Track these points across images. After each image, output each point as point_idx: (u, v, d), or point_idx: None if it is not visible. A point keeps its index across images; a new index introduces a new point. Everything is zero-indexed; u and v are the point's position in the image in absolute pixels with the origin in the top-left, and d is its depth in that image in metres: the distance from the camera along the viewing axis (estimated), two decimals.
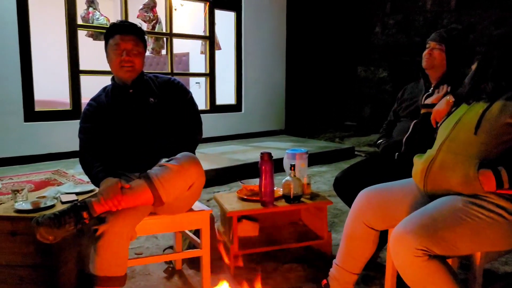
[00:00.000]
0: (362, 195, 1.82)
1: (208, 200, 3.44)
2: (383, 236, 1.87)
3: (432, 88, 2.29)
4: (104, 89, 2.08)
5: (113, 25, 1.99)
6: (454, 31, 2.32)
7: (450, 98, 1.90)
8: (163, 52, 5.94)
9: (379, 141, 2.50)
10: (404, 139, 2.28)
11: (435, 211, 1.51)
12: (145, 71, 2.10)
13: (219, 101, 5.98)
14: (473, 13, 6.20)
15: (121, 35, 1.92)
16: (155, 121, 1.98)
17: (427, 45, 2.31)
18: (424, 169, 1.62)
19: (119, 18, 5.06)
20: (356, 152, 5.78)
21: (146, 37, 2.05)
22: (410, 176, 1.78)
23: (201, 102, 5.93)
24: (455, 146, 1.58)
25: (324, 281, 1.92)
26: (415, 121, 2.26)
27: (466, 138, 1.56)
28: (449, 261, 1.57)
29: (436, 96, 2.13)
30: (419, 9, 6.77)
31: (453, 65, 2.26)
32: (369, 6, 7.32)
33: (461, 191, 1.54)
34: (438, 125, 1.79)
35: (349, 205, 2.32)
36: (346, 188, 2.32)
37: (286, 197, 2.31)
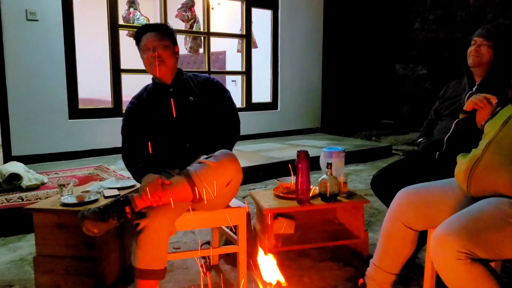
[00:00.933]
0: (401, 194, 1.79)
1: (244, 197, 3.47)
2: (422, 236, 1.83)
3: (476, 87, 2.22)
4: (146, 87, 2.14)
5: (137, 30, 2.06)
6: (502, 27, 2.22)
7: (493, 99, 1.83)
8: (201, 50, 6.03)
9: (419, 140, 2.45)
10: (445, 138, 2.22)
11: (479, 213, 1.47)
12: (183, 70, 2.15)
13: (255, 99, 6.01)
14: None
15: (145, 35, 2.00)
16: (194, 119, 2.01)
17: (473, 42, 2.22)
18: (468, 169, 1.58)
19: (159, 18, 5.18)
20: (393, 151, 5.67)
21: (181, 38, 2.10)
22: (451, 176, 1.73)
23: (237, 100, 5.96)
24: (502, 147, 1.53)
25: (361, 281, 1.91)
26: (457, 120, 2.20)
27: None
28: (492, 264, 1.52)
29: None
30: (461, 3, 6.54)
31: (500, 62, 2.17)
32: (408, 2, 7.14)
33: (508, 193, 1.49)
34: (483, 124, 1.74)
35: (387, 204, 2.28)
36: (384, 187, 2.28)
37: (322, 196, 2.30)
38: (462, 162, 1.64)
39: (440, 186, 1.76)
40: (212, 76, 2.17)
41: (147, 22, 5.54)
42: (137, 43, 2.04)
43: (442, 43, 6.73)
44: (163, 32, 2.01)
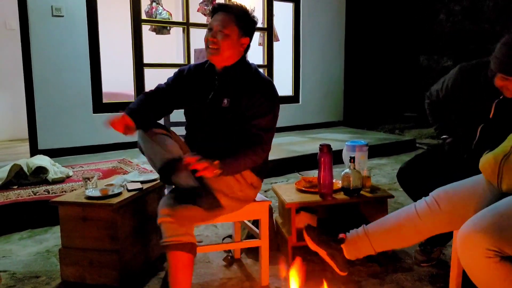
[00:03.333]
0: (433, 197, 1.71)
1: (265, 191, 3.46)
2: (447, 232, 1.79)
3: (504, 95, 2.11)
4: (207, 65, 1.95)
5: (217, 3, 1.89)
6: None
7: None
8: None
9: (443, 136, 2.37)
10: (473, 145, 2.14)
11: (508, 209, 1.42)
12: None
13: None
14: None
15: (217, 13, 1.81)
16: (219, 122, 1.84)
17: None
18: (497, 165, 1.53)
19: (181, 12, 5.19)
20: (417, 145, 5.57)
21: (251, 23, 1.87)
22: (479, 172, 1.68)
23: None
24: None
25: (344, 235, 1.81)
26: (482, 125, 2.09)
27: None
28: None
29: None
30: None
31: None
32: None
33: None
34: None
35: (412, 197, 2.24)
36: (410, 180, 2.23)
37: (345, 190, 2.27)
38: (489, 160, 1.59)
39: (468, 184, 1.71)
40: (271, 82, 1.90)
41: (169, 17, 5.56)
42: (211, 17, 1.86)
43: (468, 34, 6.56)
44: (235, 17, 1.79)
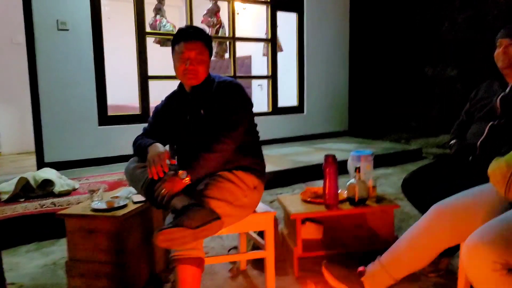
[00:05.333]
0: (434, 212, 1.71)
1: (271, 202, 3.45)
2: None
3: (509, 89, 2.14)
4: (175, 91, 2.13)
5: (179, 31, 1.98)
6: None
7: None
8: (226, 55, 6.06)
9: (451, 142, 2.38)
10: (478, 143, 2.15)
11: None
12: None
13: (281, 103, 5.99)
14: None
15: (185, 42, 1.91)
16: (202, 133, 1.92)
17: (498, 43, 2.14)
18: (509, 172, 1.51)
19: (185, 24, 5.23)
20: (423, 154, 5.55)
21: (212, 43, 2.04)
22: (484, 180, 1.67)
23: (263, 104, 5.98)
24: None
25: (362, 268, 1.84)
26: (490, 123, 2.12)
27: None
28: None
29: None
30: (492, 2, 6.35)
31: None
32: (436, 2, 6.99)
33: None
34: None
35: (417, 207, 2.24)
36: (415, 190, 2.23)
37: (350, 200, 2.27)
38: (501, 165, 1.57)
39: (471, 196, 1.69)
40: (235, 80, 2.06)
41: (173, 29, 5.61)
42: (173, 45, 1.97)
43: (473, 43, 6.55)
44: (205, 43, 1.94)
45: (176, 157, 2.05)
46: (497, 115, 2.12)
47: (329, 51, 6.33)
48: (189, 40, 1.92)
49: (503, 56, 2.10)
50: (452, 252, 2.23)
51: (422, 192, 2.18)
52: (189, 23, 5.09)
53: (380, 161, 4.75)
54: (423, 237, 1.72)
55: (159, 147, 1.85)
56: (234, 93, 1.95)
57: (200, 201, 1.69)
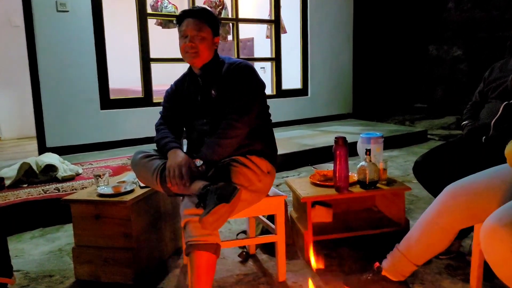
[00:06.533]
0: (447, 193, 1.68)
1: (277, 185, 3.42)
2: None
3: None
4: (185, 73, 2.09)
5: (182, 11, 1.96)
6: None
7: None
8: (229, 37, 5.95)
9: (464, 122, 2.32)
10: (492, 122, 2.09)
11: None
12: None
13: (285, 85, 5.91)
14: None
15: (187, 20, 1.89)
16: (215, 115, 1.90)
17: None
18: None
19: (187, 6, 5.13)
20: (429, 136, 5.50)
21: (218, 22, 1.98)
22: (498, 162, 1.63)
23: (267, 87, 5.89)
24: None
25: (377, 264, 1.85)
26: (505, 103, 2.06)
27: None
28: None
29: None
30: None
31: None
32: None
33: None
34: None
35: (430, 191, 2.19)
36: (427, 173, 2.18)
37: (361, 183, 2.22)
38: None
39: (488, 176, 1.66)
40: (245, 61, 2.00)
41: (175, 10, 5.51)
42: (178, 26, 1.95)
43: (478, 22, 6.44)
44: (206, 20, 1.90)
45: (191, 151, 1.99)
46: None
47: (333, 33, 6.22)
48: (190, 17, 1.90)
49: None
50: (464, 234, 2.19)
51: (435, 175, 2.13)
52: (190, 4, 4.98)
53: (385, 143, 4.63)
54: (438, 220, 1.70)
55: (179, 155, 1.77)
56: (246, 75, 1.90)
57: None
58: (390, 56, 6.97)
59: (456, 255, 2.18)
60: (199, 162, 1.75)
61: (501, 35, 6.24)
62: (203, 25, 1.88)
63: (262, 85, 1.96)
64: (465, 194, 1.64)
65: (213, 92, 1.92)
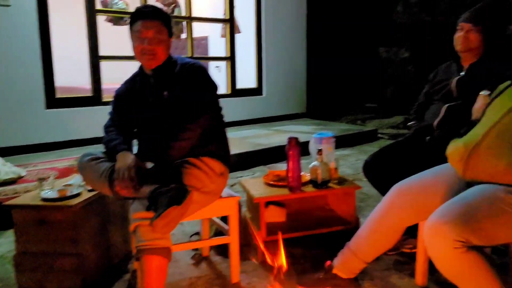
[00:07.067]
0: (394, 193, 1.75)
1: (232, 185, 3.40)
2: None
3: (465, 71, 2.17)
4: (136, 73, 2.03)
5: (137, 10, 1.89)
6: (487, 8, 2.16)
7: (485, 93, 1.80)
8: (183, 36, 5.87)
9: (410, 123, 2.42)
10: (436, 123, 2.18)
11: (475, 200, 1.43)
12: None
13: (240, 85, 5.91)
14: None
15: (143, 21, 1.81)
16: (167, 116, 1.85)
17: (459, 27, 2.15)
18: (466, 153, 1.53)
19: (138, 2, 5.00)
20: (379, 135, 5.67)
21: (172, 23, 1.94)
22: (442, 161, 1.70)
23: (221, 86, 5.87)
24: (506, 134, 1.48)
25: (328, 262, 1.89)
26: (447, 104, 2.16)
27: None
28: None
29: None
30: None
31: (490, 46, 2.11)
32: None
33: (503, 181, 1.45)
34: (476, 118, 1.71)
35: (379, 189, 2.26)
36: (376, 172, 2.26)
37: (313, 182, 2.25)
38: (459, 146, 1.60)
39: (432, 175, 1.74)
40: (199, 62, 1.97)
41: (126, 7, 5.36)
42: (131, 25, 1.87)
43: (425, 25, 6.71)
44: (163, 21, 1.85)
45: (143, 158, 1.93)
46: (454, 97, 2.16)
47: (288, 33, 6.29)
48: (146, 18, 1.83)
49: (463, 40, 2.12)
50: (412, 232, 2.27)
51: (383, 174, 2.21)
52: (143, 1, 4.86)
53: (337, 142, 4.73)
54: (385, 218, 1.76)
55: (128, 157, 1.71)
56: (199, 76, 1.88)
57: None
58: (343, 57, 7.12)
59: (402, 252, 2.26)
60: (149, 165, 1.71)
61: (445, 38, 6.55)
62: (161, 27, 1.84)
63: (215, 86, 1.94)
64: (410, 193, 1.71)
65: (165, 93, 1.88)
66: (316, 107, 6.76)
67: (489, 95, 1.77)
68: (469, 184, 1.57)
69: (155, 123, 1.89)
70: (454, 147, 1.62)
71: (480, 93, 1.85)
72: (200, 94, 1.84)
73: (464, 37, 2.12)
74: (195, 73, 1.87)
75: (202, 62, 1.98)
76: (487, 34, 2.09)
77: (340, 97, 7.08)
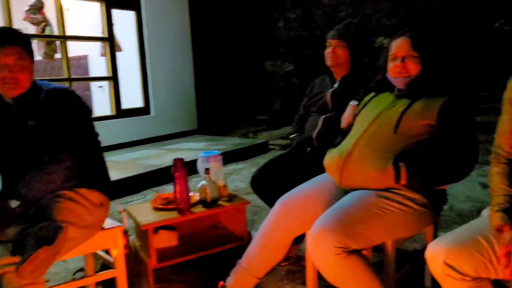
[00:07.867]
0: (279, 206, 1.80)
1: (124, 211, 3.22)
2: None
3: (337, 84, 2.33)
4: None
5: None
6: (351, 26, 2.35)
7: (354, 103, 1.95)
8: (57, 56, 5.50)
9: (292, 135, 2.51)
10: (314, 135, 2.30)
11: (349, 206, 1.52)
12: (39, 78, 1.83)
13: (125, 105, 5.67)
14: (367, 4, 6.56)
15: (1, 47, 1.62)
16: (34, 146, 1.71)
17: (328, 43, 2.30)
18: (341, 162, 1.63)
19: (2, 21, 4.55)
20: (270, 146, 5.84)
21: (33, 43, 1.78)
22: (322, 171, 1.79)
23: (105, 107, 5.60)
24: (373, 142, 1.60)
25: (222, 283, 1.88)
26: (324, 116, 2.29)
27: (385, 135, 1.59)
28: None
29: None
30: (317, 3, 7.00)
31: (357, 59, 2.29)
32: (271, 1, 7.42)
33: (373, 186, 1.56)
34: (346, 127, 1.84)
35: (267, 203, 2.30)
36: (263, 186, 2.30)
37: (203, 202, 2.22)
38: (334, 156, 1.69)
39: (314, 185, 1.82)
40: (70, 88, 1.86)
41: None
42: None
43: (305, 40, 7.14)
44: (24, 46, 1.67)
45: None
46: (329, 108, 2.30)
47: (172, 50, 6.22)
48: (4, 45, 1.63)
49: (332, 55, 2.27)
50: (300, 239, 2.35)
51: (270, 187, 2.25)
52: (7, 20, 4.44)
53: (230, 157, 4.85)
54: (273, 232, 1.79)
55: None
56: (68, 103, 1.74)
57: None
58: (232, 72, 7.26)
59: (295, 260, 2.32)
60: (14, 203, 1.55)
61: (322, 52, 7.01)
62: (23, 52, 1.66)
63: (88, 111, 1.82)
64: (294, 204, 1.76)
65: (30, 122, 1.71)
66: (208, 122, 6.77)
67: (358, 105, 1.91)
68: (347, 192, 1.67)
69: (20, 155, 1.71)
70: (330, 157, 1.71)
71: (350, 103, 1.99)
72: (70, 121, 1.71)
73: (332, 53, 2.27)
74: (64, 100, 1.74)
75: (80, 82, 1.84)
76: (353, 49, 2.26)
77: (231, 111, 7.20)
